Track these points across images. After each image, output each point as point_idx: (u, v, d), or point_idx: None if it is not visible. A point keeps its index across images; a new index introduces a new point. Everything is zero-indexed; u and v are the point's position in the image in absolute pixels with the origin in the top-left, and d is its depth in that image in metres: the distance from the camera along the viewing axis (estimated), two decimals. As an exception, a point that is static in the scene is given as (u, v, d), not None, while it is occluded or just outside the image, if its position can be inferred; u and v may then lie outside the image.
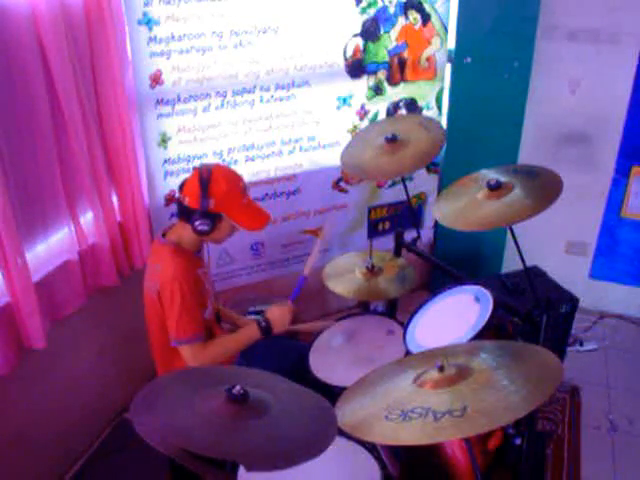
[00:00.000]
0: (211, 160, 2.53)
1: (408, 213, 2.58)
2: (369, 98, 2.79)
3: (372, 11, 2.63)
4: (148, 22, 2.20)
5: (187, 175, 1.91)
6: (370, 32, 2.66)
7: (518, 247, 1.92)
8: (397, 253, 2.44)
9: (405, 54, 2.78)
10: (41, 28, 1.85)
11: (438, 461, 1.62)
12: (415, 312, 1.94)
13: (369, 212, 3.05)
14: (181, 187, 1.87)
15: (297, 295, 2.09)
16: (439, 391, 1.27)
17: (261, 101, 2.54)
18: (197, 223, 1.81)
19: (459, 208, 1.92)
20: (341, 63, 2.65)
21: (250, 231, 1.92)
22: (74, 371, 2.33)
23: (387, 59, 2.75)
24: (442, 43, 2.82)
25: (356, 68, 2.70)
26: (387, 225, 3.12)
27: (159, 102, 2.34)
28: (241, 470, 1.56)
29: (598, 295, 3.26)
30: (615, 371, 2.91)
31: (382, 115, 2.86)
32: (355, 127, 2.80)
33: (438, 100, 2.95)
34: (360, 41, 2.66)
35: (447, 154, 3.05)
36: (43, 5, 1.83)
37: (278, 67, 2.51)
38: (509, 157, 3.02)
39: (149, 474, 2.26)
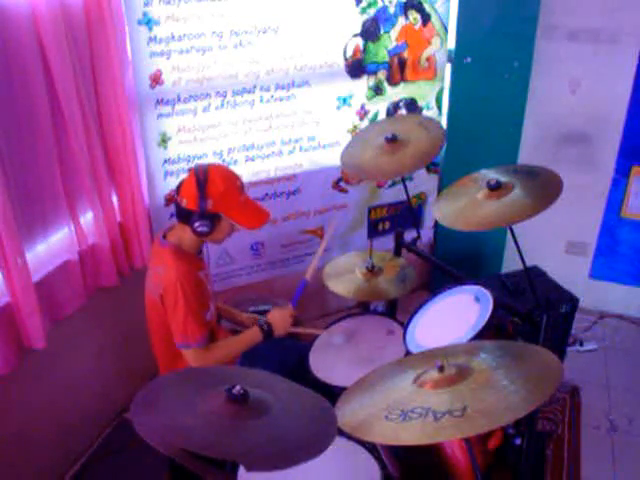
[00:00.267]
0: (211, 160, 2.53)
1: (408, 213, 2.58)
2: (369, 98, 2.79)
3: (372, 11, 2.63)
4: (148, 22, 2.20)
5: (186, 175, 1.91)
6: (370, 32, 2.66)
7: (518, 247, 1.92)
8: (397, 253, 2.44)
9: (405, 54, 2.78)
10: (41, 28, 1.85)
11: (438, 461, 1.62)
12: (415, 312, 1.94)
13: (369, 212, 3.05)
14: (178, 189, 1.86)
15: (298, 298, 2.10)
16: (439, 391, 1.27)
17: (261, 101, 2.54)
18: (196, 225, 1.81)
19: (459, 208, 1.92)
20: (341, 63, 2.65)
21: (250, 229, 1.92)
22: (74, 371, 2.33)
23: (387, 59, 2.76)
24: (442, 43, 2.82)
25: (356, 68, 2.70)
26: (387, 225, 3.12)
27: (159, 102, 2.34)
28: (241, 470, 1.56)
29: (598, 295, 3.26)
30: (615, 371, 2.91)
31: (382, 115, 2.86)
32: (355, 127, 2.80)
33: (438, 100, 2.95)
34: (360, 41, 2.66)
35: (447, 154, 3.05)
36: (43, 5, 1.83)
37: (278, 67, 2.51)
38: (509, 157, 3.02)
39: (149, 474, 2.26)
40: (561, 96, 2.96)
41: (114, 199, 2.34)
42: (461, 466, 1.60)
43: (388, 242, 2.59)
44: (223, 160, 2.56)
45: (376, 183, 2.99)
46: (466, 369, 1.30)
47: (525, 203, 1.79)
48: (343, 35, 2.62)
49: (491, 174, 1.98)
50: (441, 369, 1.30)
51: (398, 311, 2.44)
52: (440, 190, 3.08)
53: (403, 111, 2.89)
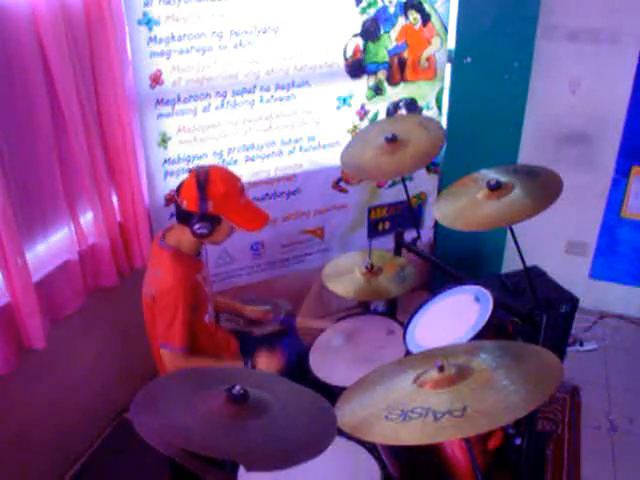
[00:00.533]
0: (211, 160, 2.53)
1: (408, 213, 2.57)
2: (369, 98, 2.79)
3: (372, 11, 2.63)
4: (148, 22, 2.20)
5: (187, 175, 1.90)
6: (370, 32, 2.66)
7: (518, 247, 1.92)
8: (397, 253, 2.44)
9: (405, 54, 2.78)
10: (41, 28, 1.85)
11: (438, 461, 1.62)
12: (415, 312, 1.94)
13: (369, 212, 3.05)
14: (178, 190, 1.85)
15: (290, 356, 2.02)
16: (439, 391, 1.27)
17: (261, 101, 2.54)
18: (196, 227, 1.80)
19: (459, 208, 1.92)
20: (341, 63, 2.65)
21: (249, 231, 1.92)
22: (74, 371, 2.33)
23: (387, 59, 2.75)
24: (442, 43, 2.82)
25: (356, 68, 2.70)
26: (387, 225, 3.12)
27: (159, 102, 2.34)
28: (241, 470, 1.56)
29: (598, 295, 3.26)
30: (615, 371, 2.91)
31: (382, 115, 2.86)
32: (355, 127, 2.80)
33: (438, 100, 2.95)
34: (360, 41, 2.66)
35: (447, 154, 3.05)
36: (43, 5, 1.83)
37: (278, 67, 2.51)
38: (509, 157, 3.02)
39: (149, 474, 2.26)
40: (561, 96, 2.96)
41: (114, 199, 2.34)
42: (461, 466, 1.60)
43: (388, 242, 2.59)
44: (223, 160, 2.56)
45: (376, 183, 2.99)
46: (466, 369, 1.30)
47: (525, 203, 1.79)
48: (343, 35, 2.62)
49: (491, 174, 1.97)
50: (441, 369, 1.29)
51: (398, 311, 2.44)
52: (440, 190, 3.08)
53: (403, 111, 2.89)
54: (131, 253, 2.44)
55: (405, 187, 2.39)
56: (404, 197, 2.42)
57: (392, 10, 2.67)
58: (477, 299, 1.81)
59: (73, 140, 2.05)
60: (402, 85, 2.84)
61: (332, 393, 1.50)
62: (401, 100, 2.87)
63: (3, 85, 1.82)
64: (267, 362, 1.93)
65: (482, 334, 1.66)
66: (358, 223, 3.04)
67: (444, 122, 3.03)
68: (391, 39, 2.72)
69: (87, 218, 2.23)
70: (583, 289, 2.69)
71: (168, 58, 2.28)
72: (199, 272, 1.93)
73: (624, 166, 2.99)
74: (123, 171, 2.32)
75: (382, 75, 2.78)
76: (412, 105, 2.90)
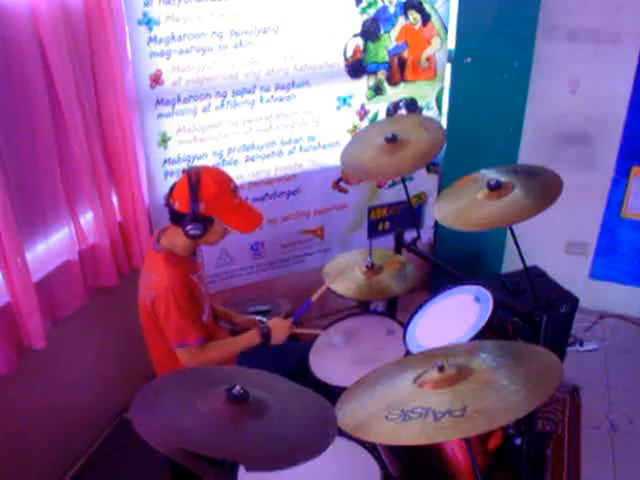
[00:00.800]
0: (211, 160, 2.53)
1: (408, 213, 2.57)
2: (369, 98, 2.79)
3: (372, 11, 2.63)
4: (148, 22, 2.20)
5: (179, 178, 1.89)
6: (370, 32, 2.66)
7: (518, 247, 1.92)
8: (397, 253, 2.44)
9: (405, 54, 2.78)
10: (41, 28, 1.85)
11: (438, 461, 1.62)
12: (415, 312, 1.94)
13: (369, 212, 3.05)
14: (170, 191, 1.84)
15: (299, 316, 2.12)
16: (439, 391, 1.27)
17: (261, 101, 2.54)
18: (189, 228, 1.79)
19: (459, 208, 1.92)
20: (341, 63, 2.65)
21: (242, 233, 1.91)
22: (74, 371, 2.33)
23: (387, 59, 2.75)
24: (442, 43, 2.82)
25: (356, 68, 2.70)
26: (387, 225, 3.12)
27: (159, 102, 2.34)
28: (241, 470, 1.56)
29: (598, 295, 3.25)
30: (615, 371, 2.91)
31: (382, 115, 2.86)
32: (355, 127, 2.80)
33: (438, 100, 2.95)
34: (360, 41, 2.66)
35: (447, 154, 3.05)
36: (43, 5, 1.83)
37: (278, 67, 2.51)
38: (509, 157, 3.02)
39: (149, 474, 2.26)
40: (561, 96, 2.96)
41: (114, 199, 2.34)
42: (461, 466, 1.60)
43: (388, 242, 2.59)
44: (223, 160, 2.56)
45: (376, 183, 2.99)
46: (466, 369, 1.30)
47: (525, 203, 1.79)
48: (343, 35, 2.62)
49: (491, 174, 1.98)
50: (441, 369, 1.29)
51: (398, 311, 2.44)
52: (440, 190, 3.08)
53: (403, 111, 2.89)
54: (131, 253, 2.44)
55: (405, 187, 2.39)
56: (404, 197, 2.42)
57: (392, 10, 2.67)
58: (477, 299, 1.81)
59: (73, 140, 2.05)
60: (402, 85, 2.84)
61: (332, 393, 1.50)
62: (401, 100, 2.87)
63: (3, 85, 1.82)
64: (280, 326, 2.01)
65: (482, 334, 1.66)
66: (358, 223, 3.04)
67: (444, 122, 3.03)
68: (391, 39, 2.72)
69: (87, 218, 2.23)
70: (583, 289, 2.68)
71: (168, 58, 2.28)
72: (194, 272, 1.93)
73: (624, 166, 2.99)
74: (123, 171, 2.32)
75: (382, 75, 2.78)
76: (412, 105, 2.90)
